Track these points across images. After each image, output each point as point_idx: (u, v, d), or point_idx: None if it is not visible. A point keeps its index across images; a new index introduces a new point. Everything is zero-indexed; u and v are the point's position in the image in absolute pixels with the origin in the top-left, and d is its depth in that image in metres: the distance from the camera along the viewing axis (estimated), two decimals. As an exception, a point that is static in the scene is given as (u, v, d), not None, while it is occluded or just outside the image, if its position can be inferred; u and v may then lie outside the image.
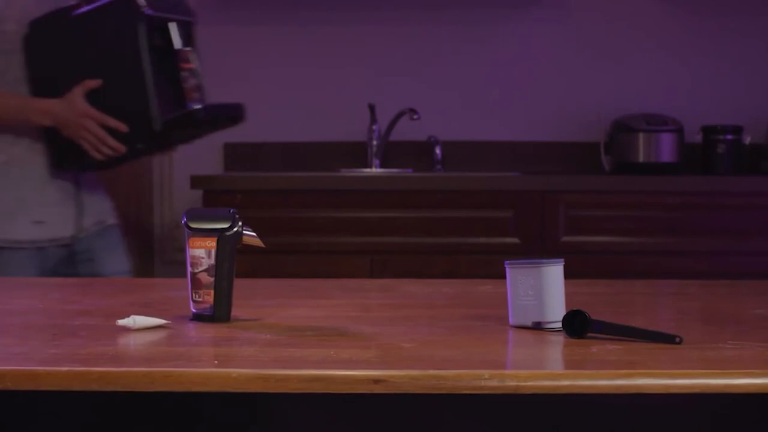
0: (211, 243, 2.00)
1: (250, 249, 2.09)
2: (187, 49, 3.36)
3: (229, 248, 2.01)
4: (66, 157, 3.32)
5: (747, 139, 4.56)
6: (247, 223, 2.05)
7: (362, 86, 4.77)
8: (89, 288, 2.62)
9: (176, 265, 4.64)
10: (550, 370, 1.73)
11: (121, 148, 3.24)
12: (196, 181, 4.26)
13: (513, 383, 1.60)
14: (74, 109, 3.22)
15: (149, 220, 4.79)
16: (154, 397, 1.66)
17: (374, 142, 4.68)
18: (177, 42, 3.30)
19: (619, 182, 4.33)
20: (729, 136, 4.53)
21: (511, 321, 1.98)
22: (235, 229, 2.02)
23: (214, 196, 4.26)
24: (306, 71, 4.79)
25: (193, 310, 2.03)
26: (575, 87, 4.76)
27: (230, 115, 3.53)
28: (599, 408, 1.89)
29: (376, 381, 1.59)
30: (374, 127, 4.68)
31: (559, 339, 1.87)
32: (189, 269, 2.01)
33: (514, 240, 4.22)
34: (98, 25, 3.25)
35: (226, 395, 1.65)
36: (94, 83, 3.22)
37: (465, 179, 4.32)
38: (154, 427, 1.91)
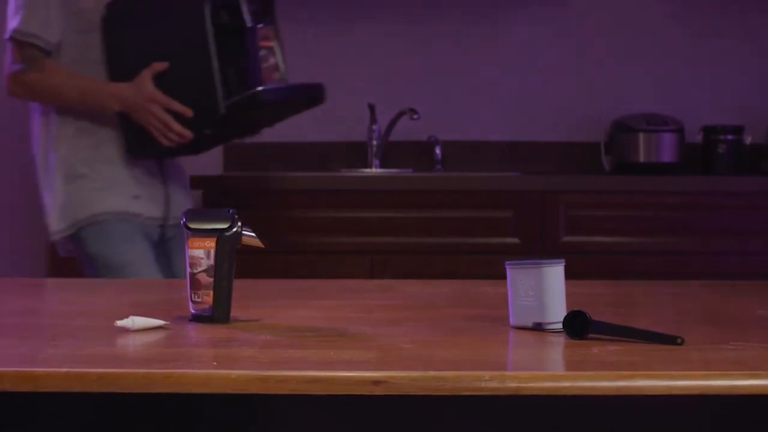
0: (211, 243, 1.99)
1: (250, 249, 2.08)
2: (260, 25, 3.24)
3: (228, 249, 2.00)
4: (139, 143, 3.26)
5: (747, 139, 4.55)
6: (246, 224, 2.04)
7: (362, 86, 4.77)
8: (87, 289, 2.62)
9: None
10: (550, 371, 1.72)
11: (187, 133, 3.18)
12: (195, 182, 4.25)
13: (513, 384, 1.59)
14: (141, 93, 3.18)
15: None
16: (154, 397, 1.65)
17: (374, 142, 4.68)
18: (248, 19, 3.19)
19: (620, 182, 4.32)
20: (729, 136, 4.52)
21: (512, 322, 1.97)
22: (235, 230, 2.01)
23: (214, 197, 4.25)
24: (306, 71, 4.77)
25: (192, 311, 2.02)
26: (575, 87, 4.75)
27: (307, 96, 3.42)
28: (599, 408, 1.88)
29: (376, 382, 1.59)
30: (374, 127, 4.67)
31: (560, 340, 1.87)
32: (188, 270, 2.01)
33: (515, 240, 4.21)
34: (164, 5, 3.19)
35: (226, 396, 1.64)
36: (161, 66, 3.18)
37: (465, 179, 4.32)
38: (154, 427, 1.91)
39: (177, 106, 3.17)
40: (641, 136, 4.46)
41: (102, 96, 3.23)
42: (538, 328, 1.93)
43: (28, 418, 1.88)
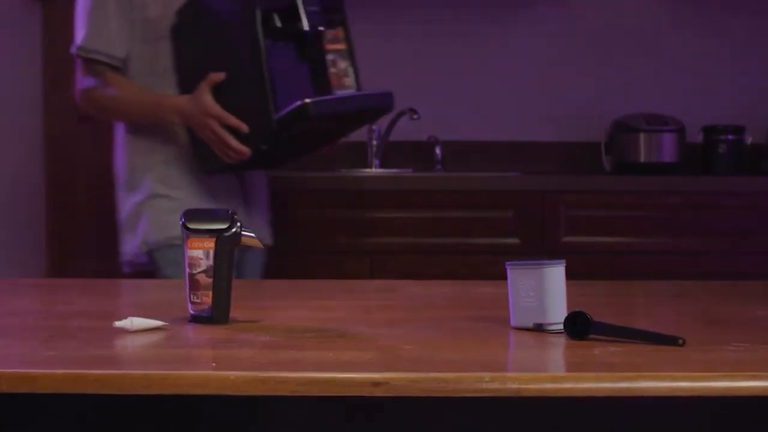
0: (210, 244, 1.99)
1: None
2: (321, 28, 3.00)
3: (227, 249, 2.00)
4: (205, 158, 3.07)
5: (748, 139, 4.54)
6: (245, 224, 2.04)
7: (362, 86, 4.75)
8: (86, 289, 2.61)
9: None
10: (551, 372, 1.72)
11: (244, 150, 2.98)
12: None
13: (514, 386, 1.59)
14: (198, 106, 3.02)
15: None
16: (154, 398, 1.64)
17: (374, 142, 4.67)
18: (305, 23, 2.96)
19: (620, 182, 4.31)
20: (730, 136, 4.51)
21: (512, 322, 1.97)
22: (234, 230, 2.00)
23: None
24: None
25: (191, 312, 2.01)
26: (575, 87, 4.74)
27: (368, 104, 3.18)
28: (599, 408, 1.88)
29: (376, 384, 1.58)
30: (374, 127, 4.66)
31: (561, 341, 1.86)
32: (187, 270, 2.00)
33: (515, 240, 4.20)
34: (223, 11, 3.01)
35: (225, 396, 1.63)
36: (217, 77, 3.00)
37: (465, 179, 4.31)
38: (153, 428, 1.90)
39: (233, 121, 2.98)
40: (642, 136, 4.45)
41: (162, 110, 3.10)
42: (539, 328, 1.92)
43: (28, 418, 1.87)
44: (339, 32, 3.09)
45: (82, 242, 4.54)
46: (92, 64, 3.16)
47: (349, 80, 3.11)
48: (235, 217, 2.01)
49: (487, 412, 1.88)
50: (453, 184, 4.26)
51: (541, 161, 4.72)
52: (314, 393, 1.59)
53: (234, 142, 2.99)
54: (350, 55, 3.12)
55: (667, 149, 4.46)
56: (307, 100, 2.90)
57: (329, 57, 3.04)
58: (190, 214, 2.03)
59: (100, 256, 4.56)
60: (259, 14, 2.92)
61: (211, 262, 1.99)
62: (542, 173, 4.50)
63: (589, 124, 4.66)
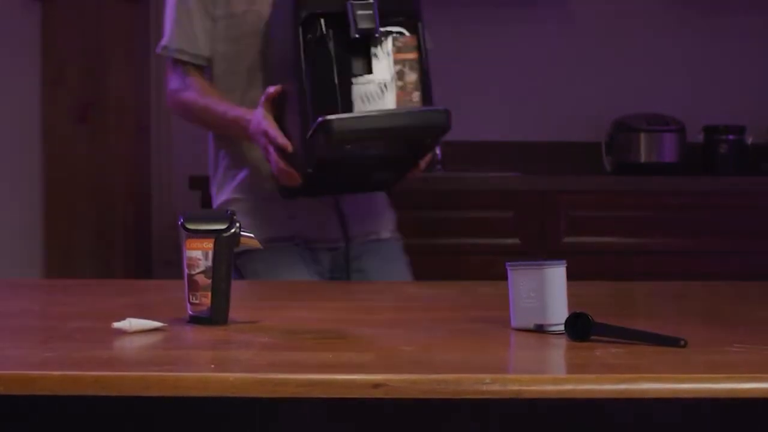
0: (208, 244, 1.98)
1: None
2: (377, 35, 2.68)
3: (226, 250, 1.99)
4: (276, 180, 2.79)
5: (749, 140, 4.54)
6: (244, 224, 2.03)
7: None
8: (84, 290, 2.60)
9: (174, 267, 4.62)
10: (552, 374, 1.71)
11: (293, 174, 2.69)
12: (195, 182, 4.23)
13: (515, 387, 1.58)
14: (254, 122, 2.75)
15: (147, 220, 4.78)
16: (153, 398, 1.64)
17: (374, 142, 4.65)
18: (353, 29, 2.63)
19: (621, 182, 4.31)
20: (731, 136, 4.51)
21: (513, 323, 1.96)
22: (233, 231, 2.00)
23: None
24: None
25: (190, 313, 2.01)
26: (575, 87, 4.74)
27: (420, 123, 2.80)
28: (600, 409, 1.87)
29: (376, 386, 1.58)
30: (374, 127, 4.64)
31: (562, 342, 1.85)
32: (186, 271, 2.00)
33: (515, 241, 4.20)
34: (277, 14, 2.77)
35: (225, 397, 1.63)
36: (274, 90, 2.72)
37: (465, 179, 4.30)
38: (153, 429, 1.89)
39: (280, 140, 2.68)
40: (642, 136, 4.45)
41: (231, 124, 2.88)
42: (540, 329, 1.91)
43: (27, 418, 1.87)
44: (411, 39, 2.78)
45: (82, 243, 4.54)
46: (177, 64, 3.01)
47: (418, 95, 2.81)
48: (234, 217, 2.01)
49: (488, 413, 1.87)
50: (453, 184, 4.25)
51: (541, 161, 4.71)
52: (314, 394, 1.59)
53: (282, 164, 2.70)
54: (421, 66, 2.81)
55: (668, 149, 4.45)
56: (330, 117, 2.57)
57: (396, 68, 2.76)
58: (189, 215, 2.03)
59: (100, 257, 4.56)
60: (301, 17, 2.65)
61: (209, 262, 1.98)
62: (542, 173, 4.49)
63: (589, 124, 4.66)
